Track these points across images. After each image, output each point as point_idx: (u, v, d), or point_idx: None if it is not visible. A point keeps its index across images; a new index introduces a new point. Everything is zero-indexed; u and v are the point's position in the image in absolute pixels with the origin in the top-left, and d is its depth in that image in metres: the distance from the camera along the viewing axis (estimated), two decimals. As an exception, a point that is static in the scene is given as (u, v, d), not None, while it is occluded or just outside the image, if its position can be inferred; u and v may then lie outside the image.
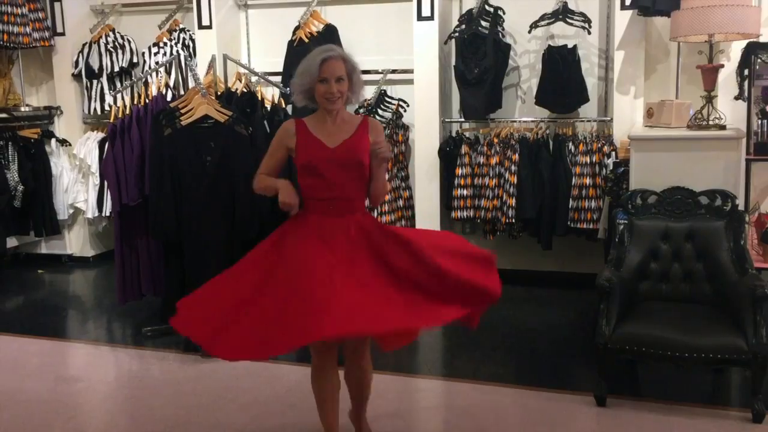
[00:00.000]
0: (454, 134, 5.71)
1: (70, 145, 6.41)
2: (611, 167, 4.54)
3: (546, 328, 4.74)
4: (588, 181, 5.15)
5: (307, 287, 2.62)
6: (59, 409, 3.68)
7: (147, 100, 4.53)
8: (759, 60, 4.46)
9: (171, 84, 5.07)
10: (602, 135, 5.28)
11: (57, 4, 6.36)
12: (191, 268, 4.26)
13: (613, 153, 4.83)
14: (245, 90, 4.71)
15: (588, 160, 5.16)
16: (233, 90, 4.76)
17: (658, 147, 4.05)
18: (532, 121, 5.51)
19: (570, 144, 5.26)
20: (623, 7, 5.03)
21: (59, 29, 6.39)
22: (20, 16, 6.09)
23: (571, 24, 5.21)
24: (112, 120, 4.49)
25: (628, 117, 5.12)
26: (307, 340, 2.58)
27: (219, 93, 4.69)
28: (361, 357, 2.97)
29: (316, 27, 5.78)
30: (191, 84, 4.63)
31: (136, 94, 4.67)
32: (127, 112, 4.48)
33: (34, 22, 6.19)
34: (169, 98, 4.76)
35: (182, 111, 4.24)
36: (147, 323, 4.78)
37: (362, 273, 2.72)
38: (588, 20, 5.17)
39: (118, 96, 5.26)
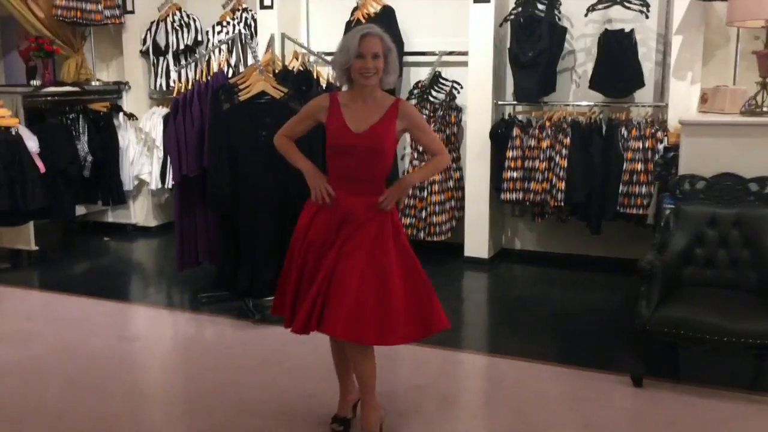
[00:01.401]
0: (506, 117, 5.75)
1: (136, 119, 6.69)
2: (661, 152, 4.52)
3: (589, 311, 4.77)
4: (639, 166, 5.13)
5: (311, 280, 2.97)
6: (119, 365, 3.92)
7: (208, 77, 4.72)
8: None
9: (232, 61, 5.25)
10: (656, 120, 5.24)
11: (128, -17, 6.63)
12: (245, 239, 4.45)
13: (667, 138, 4.80)
14: (302, 68, 4.85)
15: (640, 146, 5.13)
16: (291, 68, 4.91)
17: (709, 132, 4.02)
18: (586, 106, 5.50)
19: (623, 129, 5.24)
20: (683, -9, 4.97)
21: (129, 7, 6.65)
22: (93, -6, 6.37)
23: (629, 8, 5.17)
24: (175, 95, 4.69)
25: (683, 103, 5.06)
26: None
27: (276, 71, 4.84)
28: (367, 356, 2.97)
29: (374, 8, 5.88)
30: (251, 62, 4.80)
31: (198, 71, 4.84)
32: (189, 87, 4.68)
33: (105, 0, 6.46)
34: (229, 75, 4.94)
35: (240, 87, 4.41)
36: (204, 290, 5.01)
37: (356, 267, 2.87)
38: (646, 4, 5.12)
39: (182, 72, 5.47)
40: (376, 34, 2.87)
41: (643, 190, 5.12)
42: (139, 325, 4.78)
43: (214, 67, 4.96)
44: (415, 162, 5.66)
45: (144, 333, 4.60)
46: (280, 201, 4.40)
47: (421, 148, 5.41)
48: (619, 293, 5.10)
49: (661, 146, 4.77)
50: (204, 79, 4.73)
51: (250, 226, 4.43)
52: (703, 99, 4.43)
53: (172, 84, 6.36)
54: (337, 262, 2.89)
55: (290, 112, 4.34)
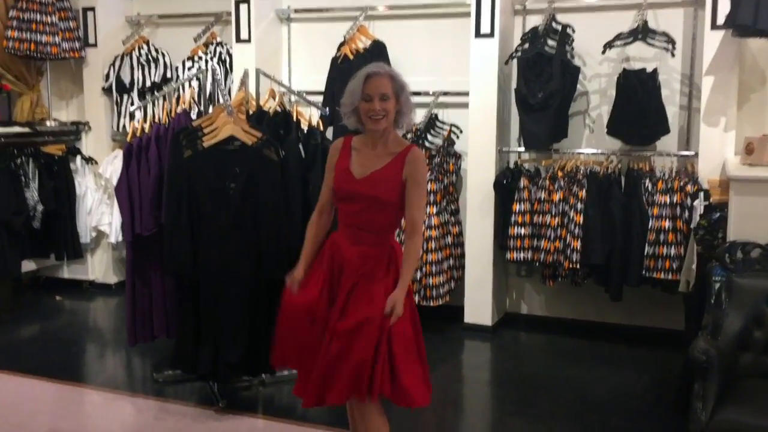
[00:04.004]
0: (511, 165, 5.10)
1: (96, 163, 5.98)
2: (701, 210, 3.87)
3: (616, 396, 4.04)
4: (667, 224, 4.47)
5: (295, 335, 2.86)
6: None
7: (170, 118, 4.03)
8: None
9: (200, 101, 4.56)
10: (684, 172, 4.61)
11: (90, 14, 5.97)
12: (207, 311, 3.73)
13: (701, 194, 4.13)
14: (279, 109, 4.18)
15: (667, 200, 4.49)
16: (266, 109, 4.25)
17: (764, 190, 3.38)
18: (602, 154, 4.86)
19: (647, 181, 4.60)
20: (714, 26, 4.37)
21: (91, 40, 5.99)
22: (50, 24, 5.71)
23: (652, 45, 4.58)
24: (129, 138, 4.00)
25: (716, 152, 4.44)
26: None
27: (250, 112, 4.18)
28: (364, 417, 2.78)
29: (363, 43, 5.26)
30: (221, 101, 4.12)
31: (160, 111, 4.16)
32: (147, 130, 3.99)
33: (64, 31, 5.80)
34: (194, 117, 4.26)
35: (205, 131, 3.73)
36: (162, 366, 4.26)
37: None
38: (672, 41, 4.53)
39: (138, 112, 4.79)
40: (384, 73, 2.69)
41: (672, 251, 4.45)
42: (79, 414, 3.98)
43: (188, 106, 4.29)
44: (435, 232, 4.96)
45: (83, 425, 3.81)
46: (251, 267, 3.69)
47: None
48: (648, 372, 4.39)
49: (697, 203, 4.10)
50: (165, 120, 4.04)
51: (214, 297, 3.71)
52: (748, 149, 3.80)
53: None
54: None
55: (263, 161, 3.68)
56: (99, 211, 5.95)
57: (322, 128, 4.21)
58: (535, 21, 5.03)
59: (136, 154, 3.90)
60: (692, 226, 4.06)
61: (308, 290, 2.84)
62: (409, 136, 5.16)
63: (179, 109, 4.09)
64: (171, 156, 3.70)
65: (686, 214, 4.43)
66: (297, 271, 2.90)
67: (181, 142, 3.70)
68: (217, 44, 5.80)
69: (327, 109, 4.42)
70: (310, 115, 4.26)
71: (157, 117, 4.07)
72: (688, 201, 4.42)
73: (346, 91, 2.75)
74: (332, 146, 2.89)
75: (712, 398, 2.90)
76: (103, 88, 6.00)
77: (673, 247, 4.45)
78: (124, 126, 5.90)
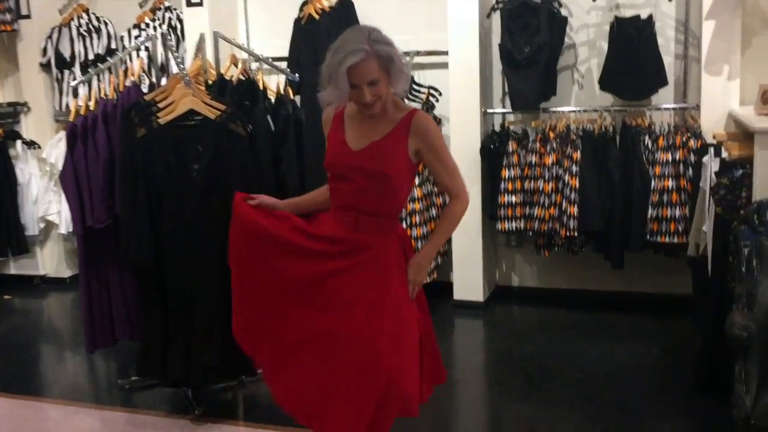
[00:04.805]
0: (497, 128, 4.72)
1: (39, 147, 5.43)
2: (716, 168, 3.53)
3: (627, 372, 3.73)
4: (671, 183, 4.15)
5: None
6: None
7: (117, 93, 3.54)
8: None
9: (151, 72, 4.05)
10: (684, 126, 4.27)
11: (20, -19, 5.36)
12: (175, 309, 3.28)
13: (711, 149, 3.78)
14: (243, 78, 3.72)
15: (669, 158, 4.16)
16: (228, 78, 3.78)
17: (793, 142, 3.05)
18: (595, 111, 4.50)
19: (646, 138, 4.26)
20: (714, -35, 4.01)
21: (24, 11, 5.38)
22: (-26, -5, 5.11)
23: (647, -11, 4.20)
24: (71, 118, 3.49)
25: (720, 103, 4.12)
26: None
27: (210, 82, 3.70)
28: None
29: (328, 1, 4.78)
30: (175, 71, 3.64)
31: (107, 86, 3.66)
32: (93, 107, 3.48)
33: (-8, 3, 5.21)
34: (146, 90, 3.77)
35: (160, 105, 3.25)
36: (126, 370, 3.82)
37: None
38: (668, -16, 4.16)
39: (80, 87, 4.27)
40: (368, 54, 2.17)
41: (677, 212, 4.14)
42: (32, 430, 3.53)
43: (128, 80, 3.78)
44: (419, 205, 4.53)
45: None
46: (221, 257, 3.23)
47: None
48: (656, 342, 4.09)
49: (706, 159, 3.76)
50: (112, 95, 3.54)
51: (181, 292, 3.27)
52: (765, 98, 3.46)
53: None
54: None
55: (230, 136, 3.23)
56: (46, 200, 5.42)
57: (292, 96, 3.76)
58: (515, -31, 4.60)
59: (82, 136, 3.41)
60: (703, 184, 3.74)
61: (277, 220, 2.41)
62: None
63: (128, 83, 3.59)
64: (122, 136, 3.22)
65: (690, 171, 4.11)
66: (271, 199, 2.48)
67: (132, 119, 3.22)
68: (165, 9, 5.26)
69: (297, 75, 3.97)
70: (277, 83, 3.80)
71: (103, 92, 3.55)
72: (692, 157, 4.10)
73: (323, 77, 2.26)
74: (323, 117, 2.47)
75: (755, 379, 2.59)
76: (41, 64, 5.43)
77: (677, 208, 4.13)
78: (67, 105, 5.35)
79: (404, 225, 4.56)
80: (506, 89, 4.69)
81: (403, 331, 2.30)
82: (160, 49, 4.35)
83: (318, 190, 2.54)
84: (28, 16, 5.39)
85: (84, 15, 5.37)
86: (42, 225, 5.53)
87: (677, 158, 4.14)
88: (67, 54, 5.30)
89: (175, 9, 5.23)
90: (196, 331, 3.25)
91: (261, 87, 3.71)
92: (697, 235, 3.80)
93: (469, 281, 4.77)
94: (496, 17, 4.53)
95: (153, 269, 3.26)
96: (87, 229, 3.43)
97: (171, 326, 3.30)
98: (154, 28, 5.12)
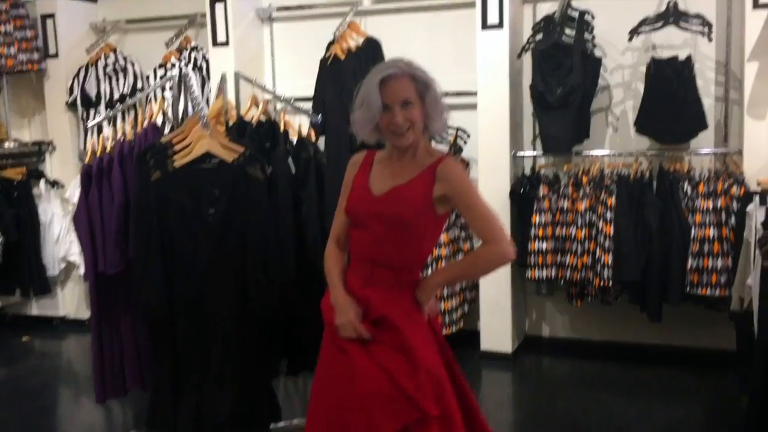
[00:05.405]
0: (528, 172, 4.55)
1: (62, 186, 5.39)
2: (761, 218, 3.31)
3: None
4: (712, 232, 3.93)
5: None
6: None
7: (135, 133, 3.45)
8: None
9: (170, 112, 3.97)
10: (726, 172, 4.06)
11: (50, 21, 5.36)
12: (186, 359, 3.14)
13: (756, 198, 3.56)
14: (263, 119, 3.60)
15: (710, 205, 3.94)
16: (249, 119, 3.67)
17: None
18: (630, 155, 4.31)
19: (685, 184, 4.06)
20: (756, 5, 3.85)
21: (52, 50, 5.39)
22: (3, 34, 5.13)
23: (686, 29, 4.04)
24: (87, 160, 3.41)
25: (764, 148, 3.92)
26: None
27: (230, 123, 3.60)
28: None
29: (354, 41, 4.69)
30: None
31: (126, 125, 3.57)
32: (108, 149, 3.39)
33: (20, 41, 5.22)
34: (167, 131, 3.67)
35: (176, 147, 3.15)
36: (139, 420, 3.67)
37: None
38: (708, 24, 3.99)
39: (98, 127, 4.20)
40: (403, 72, 2.11)
41: (719, 263, 3.91)
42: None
43: (155, 119, 3.69)
44: (445, 251, 4.37)
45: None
46: (235, 306, 3.10)
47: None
48: (699, 401, 3.85)
49: (750, 208, 3.54)
50: (130, 136, 3.45)
51: (193, 342, 3.12)
52: (814, 144, 3.25)
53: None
54: None
55: (247, 180, 3.10)
56: (67, 240, 5.36)
57: (313, 138, 3.64)
58: (546, 10, 4.48)
59: (97, 178, 3.31)
60: (747, 235, 3.51)
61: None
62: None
63: (146, 123, 3.49)
64: (136, 179, 3.12)
65: (732, 220, 3.89)
66: (349, 308, 2.19)
67: (147, 162, 3.11)
68: (192, 49, 5.22)
69: (319, 116, 3.85)
70: (299, 125, 3.68)
71: (121, 133, 3.46)
72: (735, 205, 3.89)
73: (356, 99, 2.18)
74: (351, 161, 2.35)
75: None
76: (67, 103, 5.40)
77: (719, 258, 3.91)
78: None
79: (430, 271, 4.39)
80: (537, 131, 4.53)
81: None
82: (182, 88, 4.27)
83: (333, 260, 2.34)
84: (56, 56, 5.39)
85: (111, 54, 5.35)
86: (63, 265, 5.46)
87: (719, 206, 3.92)
88: (93, 93, 5.27)
89: (201, 48, 5.19)
90: (207, 383, 3.10)
91: (282, 128, 3.59)
92: (742, 289, 3.57)
93: (497, 331, 4.56)
94: (527, 57, 4.40)
95: (164, 316, 3.12)
96: (100, 274, 3.31)
97: (181, 378, 3.15)
98: (180, 68, 5.06)
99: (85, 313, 5.56)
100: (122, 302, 3.37)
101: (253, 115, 3.64)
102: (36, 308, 5.65)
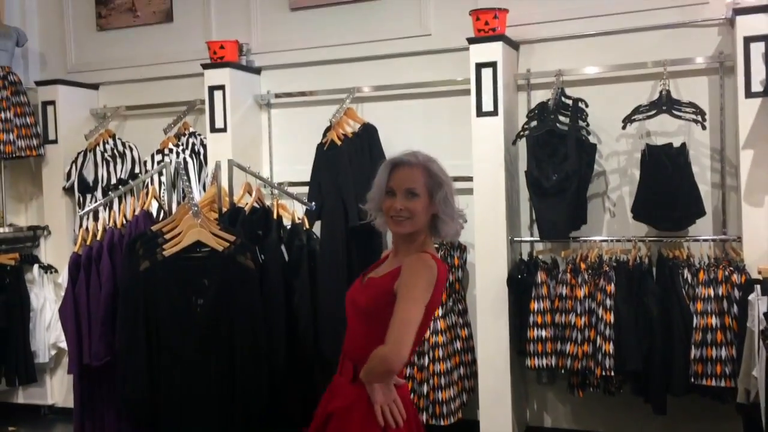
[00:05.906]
0: (525, 257, 4.49)
1: (56, 271, 5.33)
2: (764, 308, 3.24)
3: None
4: (714, 321, 3.83)
5: None
6: None
7: (125, 222, 3.42)
8: None
9: (165, 199, 3.96)
10: (726, 259, 4.00)
11: (50, 108, 5.43)
12: (171, 458, 3.01)
13: (757, 287, 3.50)
14: (257, 205, 3.59)
15: (711, 293, 3.86)
16: (243, 206, 3.66)
17: None
18: (628, 241, 4.26)
19: (685, 271, 3.99)
20: (749, 94, 3.87)
21: (51, 136, 5.43)
22: (3, 121, 5.18)
23: (679, 117, 4.05)
24: (76, 249, 3.36)
25: (763, 235, 3.87)
26: None
27: (223, 210, 3.58)
28: None
29: (351, 127, 4.72)
30: (197, 198, 3.52)
31: (117, 213, 3.55)
32: (99, 236, 3.36)
33: (20, 128, 5.27)
34: (162, 218, 3.65)
35: (167, 236, 3.11)
36: None
37: None
38: (701, 112, 4.00)
39: (88, 215, 4.18)
40: (417, 163, 2.15)
41: (723, 353, 3.80)
42: None
43: (147, 207, 3.68)
44: (442, 338, 4.29)
45: None
46: (224, 401, 2.99)
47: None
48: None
49: (752, 297, 3.47)
50: (120, 224, 3.42)
51: (178, 439, 3.00)
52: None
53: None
54: None
55: (238, 270, 3.05)
56: (59, 326, 5.19)
57: (307, 225, 3.61)
58: (540, 97, 4.52)
59: (85, 267, 3.27)
60: (750, 324, 3.43)
61: None
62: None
63: (137, 211, 3.47)
64: (124, 269, 3.08)
65: (734, 308, 3.80)
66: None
67: (137, 251, 3.08)
68: (190, 135, 5.25)
69: (313, 204, 3.83)
70: (293, 212, 3.66)
71: (112, 221, 3.43)
72: (736, 293, 3.81)
73: (374, 183, 2.25)
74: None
75: None
76: (64, 188, 5.41)
77: (723, 348, 3.80)
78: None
79: (427, 359, 4.29)
80: (534, 217, 4.50)
81: None
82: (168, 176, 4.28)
83: None
84: (54, 141, 5.44)
85: (110, 140, 5.38)
86: (54, 352, 5.34)
87: (720, 294, 3.84)
88: (90, 178, 5.28)
89: (199, 134, 5.22)
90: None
91: (276, 215, 3.57)
92: (747, 380, 3.46)
93: (497, 421, 4.40)
94: (523, 143, 4.41)
95: (148, 411, 3.01)
96: (84, 367, 3.21)
97: (165, 476, 3.02)
98: (177, 153, 5.09)
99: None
100: (106, 395, 3.27)
101: (247, 201, 3.63)
102: (23, 397, 5.50)
